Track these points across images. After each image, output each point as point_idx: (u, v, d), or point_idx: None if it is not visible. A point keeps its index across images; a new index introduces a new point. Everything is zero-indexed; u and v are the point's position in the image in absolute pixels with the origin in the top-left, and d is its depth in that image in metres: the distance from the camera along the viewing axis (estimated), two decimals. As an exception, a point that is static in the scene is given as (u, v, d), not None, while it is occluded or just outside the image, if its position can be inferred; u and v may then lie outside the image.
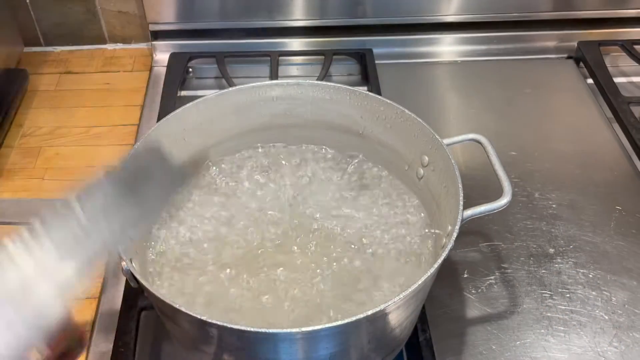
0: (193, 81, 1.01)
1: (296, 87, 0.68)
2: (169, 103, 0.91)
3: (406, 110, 0.64)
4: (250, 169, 0.71)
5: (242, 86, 0.67)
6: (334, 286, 0.60)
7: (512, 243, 0.74)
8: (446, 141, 0.61)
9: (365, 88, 0.94)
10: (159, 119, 0.80)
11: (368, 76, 0.97)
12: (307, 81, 0.68)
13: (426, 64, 1.04)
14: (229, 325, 0.47)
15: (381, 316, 0.51)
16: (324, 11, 1.02)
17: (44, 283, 0.40)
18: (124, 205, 0.47)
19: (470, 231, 0.75)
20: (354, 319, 0.47)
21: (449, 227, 0.56)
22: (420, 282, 0.49)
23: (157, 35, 1.03)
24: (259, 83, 0.68)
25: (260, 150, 0.73)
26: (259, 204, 0.68)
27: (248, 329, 0.47)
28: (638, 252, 0.74)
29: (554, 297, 0.69)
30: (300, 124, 0.71)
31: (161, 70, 1.00)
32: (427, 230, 0.65)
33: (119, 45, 1.07)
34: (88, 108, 0.95)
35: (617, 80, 0.97)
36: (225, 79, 0.94)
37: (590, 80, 1.00)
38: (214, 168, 0.71)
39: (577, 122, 0.92)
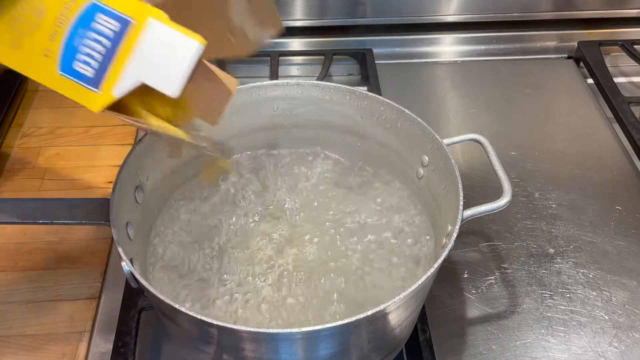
0: (193, 81, 1.01)
1: (296, 87, 0.68)
2: (169, 103, 0.91)
3: (406, 111, 0.64)
4: (250, 169, 0.71)
5: (242, 86, 0.67)
6: (332, 287, 0.60)
7: (512, 243, 0.74)
8: (446, 141, 0.61)
9: (365, 88, 0.94)
10: (159, 119, 0.80)
11: (368, 76, 0.97)
12: (307, 81, 0.68)
13: (426, 64, 1.04)
14: (229, 326, 0.47)
15: (381, 316, 0.51)
16: (324, 11, 1.02)
17: None
18: None
19: (470, 231, 0.75)
20: (354, 319, 0.47)
21: (449, 227, 0.56)
22: (420, 282, 0.49)
23: (157, 35, 1.03)
24: (259, 83, 0.68)
25: (259, 150, 0.73)
26: (259, 204, 0.68)
27: (248, 329, 0.47)
28: (638, 252, 0.74)
29: (554, 297, 0.69)
30: (300, 124, 0.71)
31: (161, 70, 1.00)
32: (427, 230, 0.65)
33: (119, 45, 1.07)
34: (88, 108, 0.95)
35: (617, 80, 0.97)
36: (225, 79, 0.94)
37: (590, 80, 1.00)
38: (214, 168, 0.71)
39: (577, 122, 0.92)
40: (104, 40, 0.43)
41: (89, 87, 0.43)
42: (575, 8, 1.06)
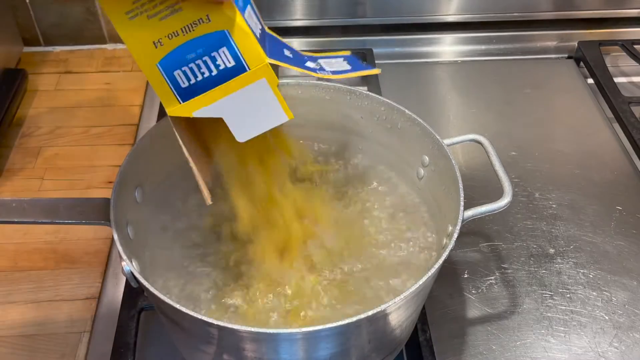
0: (193, 81, 1.01)
1: (296, 87, 0.68)
2: (169, 103, 0.91)
3: (406, 111, 0.64)
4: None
5: (242, 86, 0.67)
6: (334, 287, 0.60)
7: (512, 243, 0.74)
8: (446, 141, 0.61)
9: (365, 88, 0.94)
10: (158, 119, 0.80)
11: (368, 76, 0.97)
12: (307, 81, 0.68)
13: (426, 64, 1.04)
14: (229, 325, 0.46)
15: (382, 316, 0.51)
16: (324, 11, 1.02)
17: None
18: None
19: (470, 231, 0.75)
20: (354, 319, 0.47)
21: (450, 228, 0.56)
22: (420, 282, 0.49)
23: (157, 35, 1.03)
24: (259, 83, 0.68)
25: (260, 150, 0.73)
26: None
27: (248, 329, 0.47)
28: (638, 252, 0.74)
29: (554, 298, 0.69)
30: (300, 124, 0.70)
31: (161, 70, 1.00)
32: (427, 231, 0.65)
33: (119, 45, 1.07)
34: (88, 108, 0.95)
35: (617, 80, 0.97)
36: (225, 79, 0.94)
37: (590, 80, 1.00)
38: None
39: (577, 122, 0.92)
40: (214, 70, 0.45)
41: (175, 93, 0.45)
42: (575, 8, 1.06)
